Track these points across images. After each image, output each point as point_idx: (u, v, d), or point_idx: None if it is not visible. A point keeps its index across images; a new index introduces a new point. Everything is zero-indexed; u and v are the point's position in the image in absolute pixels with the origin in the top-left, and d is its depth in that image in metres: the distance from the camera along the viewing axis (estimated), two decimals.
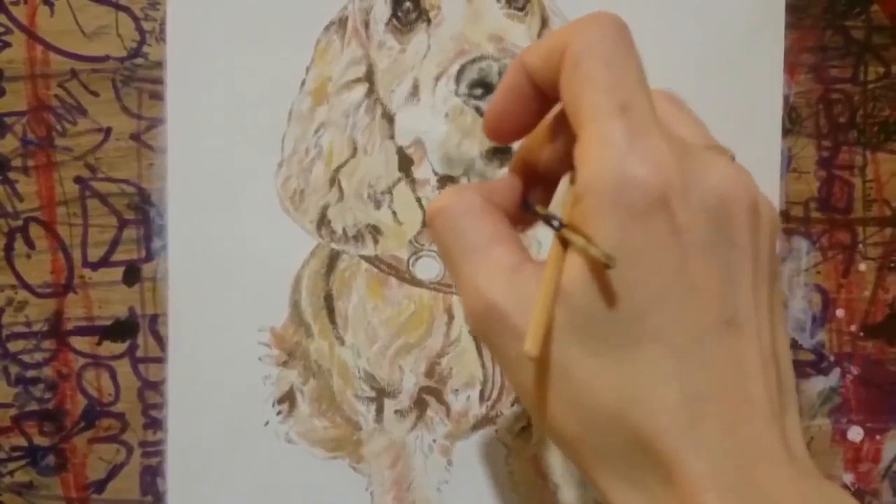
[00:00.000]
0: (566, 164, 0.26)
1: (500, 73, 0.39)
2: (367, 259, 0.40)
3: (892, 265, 0.41)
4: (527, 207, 0.28)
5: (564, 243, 0.24)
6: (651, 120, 0.23)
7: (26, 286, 0.39)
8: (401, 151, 0.40)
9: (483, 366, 0.40)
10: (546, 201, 0.29)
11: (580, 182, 0.23)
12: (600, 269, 0.22)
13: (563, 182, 0.28)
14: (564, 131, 0.26)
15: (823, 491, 0.23)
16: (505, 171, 0.35)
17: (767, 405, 0.23)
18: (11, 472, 0.40)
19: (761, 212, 0.24)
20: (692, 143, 0.24)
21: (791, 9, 0.40)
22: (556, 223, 0.24)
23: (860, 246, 0.41)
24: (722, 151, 0.25)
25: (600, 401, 0.23)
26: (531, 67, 0.26)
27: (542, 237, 0.40)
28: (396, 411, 0.40)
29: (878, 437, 0.41)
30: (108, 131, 0.39)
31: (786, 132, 0.41)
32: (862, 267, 0.41)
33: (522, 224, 0.29)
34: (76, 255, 0.39)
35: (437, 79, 0.39)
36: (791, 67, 0.40)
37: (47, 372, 0.40)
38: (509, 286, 0.24)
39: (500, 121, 0.28)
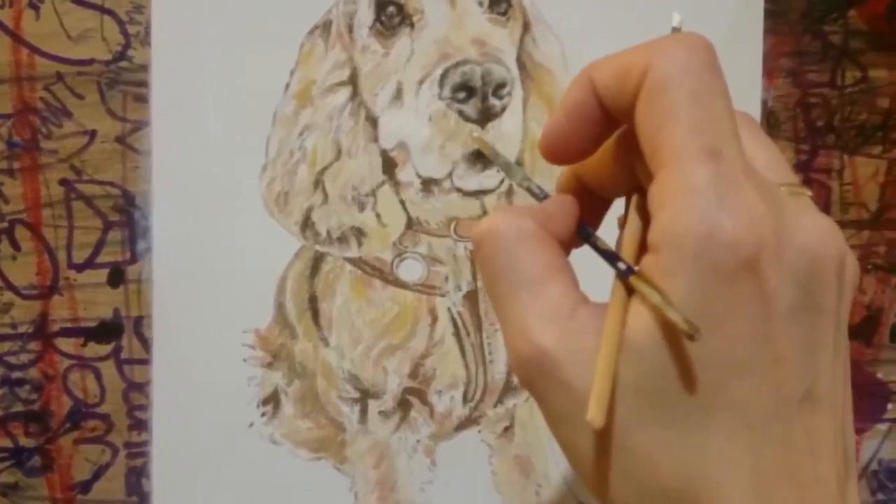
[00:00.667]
0: (624, 186, 0.24)
1: (482, 77, 0.39)
2: (352, 261, 0.41)
3: (870, 267, 0.42)
4: (586, 238, 0.24)
5: (628, 288, 0.21)
6: (743, 168, 0.21)
7: (12, 288, 0.40)
8: (384, 154, 0.40)
9: (466, 367, 0.41)
10: (595, 224, 0.26)
11: (658, 231, 0.21)
12: (673, 330, 0.20)
13: (630, 216, 0.24)
14: (629, 155, 0.23)
15: None
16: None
17: (836, 483, 0.21)
18: None
19: (847, 272, 0.22)
20: (777, 189, 0.22)
21: (769, 14, 0.41)
22: (623, 267, 0.22)
23: None
24: (800, 191, 0.23)
25: (662, 477, 0.21)
26: (600, 86, 0.23)
27: None
28: (380, 412, 0.41)
29: (856, 437, 0.42)
30: (93, 134, 0.40)
31: None
32: None
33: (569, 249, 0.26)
34: (61, 256, 0.40)
35: (421, 82, 0.40)
36: (769, 71, 0.41)
37: (33, 373, 0.40)
38: (563, 332, 0.21)
39: (559, 142, 0.24)
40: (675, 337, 0.20)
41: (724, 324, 0.20)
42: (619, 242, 0.24)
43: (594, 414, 0.20)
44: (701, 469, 0.20)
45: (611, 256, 0.23)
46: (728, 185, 0.20)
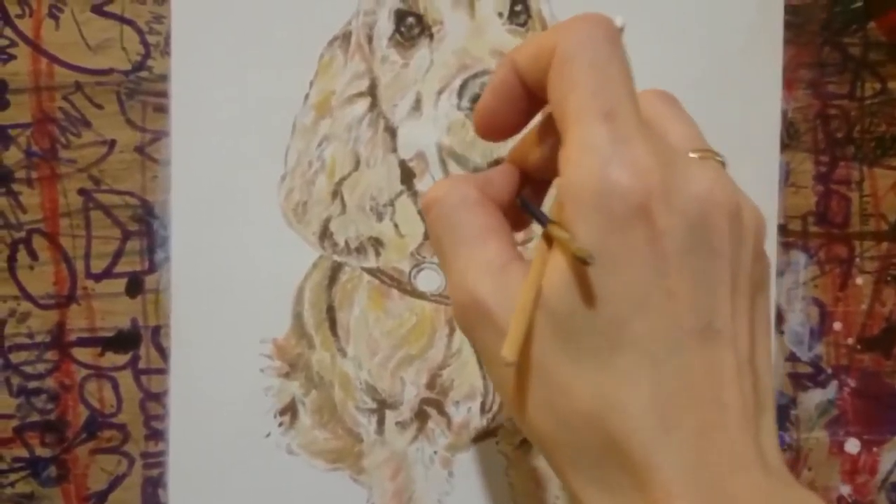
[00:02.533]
0: (556, 166, 0.27)
1: None
2: (369, 271, 0.41)
3: (889, 279, 0.42)
4: (520, 202, 0.28)
5: (550, 244, 0.24)
6: (635, 127, 0.23)
7: (29, 297, 0.40)
8: (403, 164, 0.40)
9: (484, 377, 0.41)
10: (539, 202, 0.29)
11: (562, 186, 0.23)
12: (581, 273, 0.23)
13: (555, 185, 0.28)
14: (554, 133, 0.26)
15: (794, 496, 0.23)
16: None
17: (741, 412, 0.23)
18: (13, 484, 0.40)
19: (744, 219, 0.24)
20: (678, 149, 0.24)
21: (789, 25, 0.41)
22: (543, 219, 0.24)
23: (857, 260, 0.41)
24: (710, 156, 0.25)
25: (577, 404, 0.23)
26: (520, 66, 0.26)
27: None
28: (397, 423, 0.41)
29: (874, 448, 0.42)
30: (112, 143, 0.40)
31: (784, 147, 0.41)
32: (859, 280, 0.41)
33: (516, 222, 0.29)
34: (79, 266, 0.40)
35: (440, 93, 0.40)
36: (789, 83, 0.41)
37: (49, 383, 0.40)
38: (496, 283, 0.24)
39: (489, 118, 0.28)
40: (582, 280, 0.23)
41: (620, 264, 0.22)
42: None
43: (506, 351, 0.22)
44: (610, 397, 0.22)
45: (535, 213, 0.26)
46: (620, 142, 0.23)
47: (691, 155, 0.25)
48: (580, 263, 0.22)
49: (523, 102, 0.27)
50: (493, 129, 0.28)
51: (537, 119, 0.28)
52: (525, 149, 0.28)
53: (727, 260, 0.23)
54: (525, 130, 0.29)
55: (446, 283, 0.26)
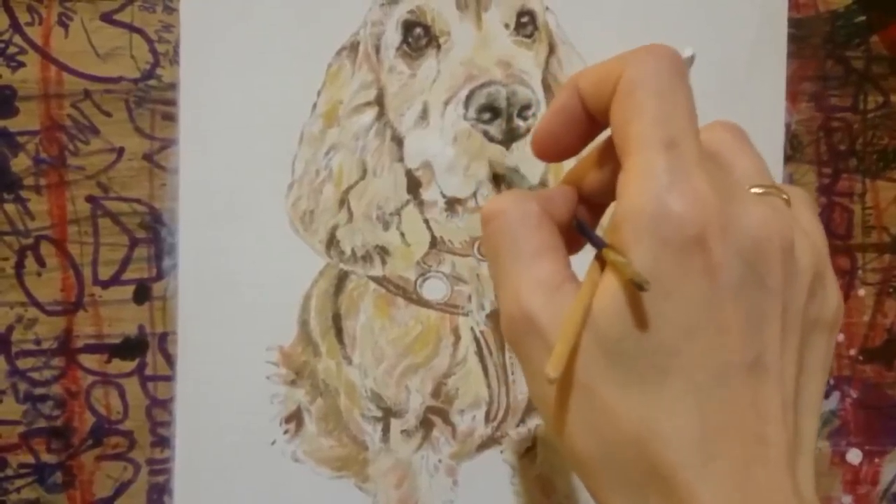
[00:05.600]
0: (613, 191, 0.26)
1: (507, 98, 0.40)
2: (376, 279, 0.41)
3: (891, 291, 0.42)
4: (576, 224, 0.28)
5: (603, 266, 0.24)
6: (696, 158, 0.23)
7: (36, 304, 0.40)
8: (409, 174, 0.41)
9: (489, 386, 0.41)
10: (594, 226, 0.29)
11: (619, 211, 0.23)
12: (633, 297, 0.23)
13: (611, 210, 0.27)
14: (613, 158, 0.26)
15: None
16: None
17: (783, 449, 0.23)
18: (19, 489, 0.40)
19: (798, 256, 0.24)
20: (740, 183, 0.25)
21: (792, 38, 0.41)
22: (599, 242, 0.25)
23: (859, 271, 0.42)
24: (774, 192, 0.25)
25: (620, 428, 0.23)
26: (583, 90, 0.26)
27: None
28: (403, 431, 0.41)
29: (876, 459, 0.42)
30: (120, 151, 0.40)
31: (787, 159, 0.41)
32: (861, 292, 0.42)
33: (569, 243, 0.28)
34: (87, 273, 0.40)
35: (447, 103, 0.40)
36: (792, 96, 0.41)
37: (56, 389, 0.40)
38: (548, 301, 0.25)
39: (547, 140, 0.28)
40: (634, 304, 0.23)
41: (674, 292, 0.22)
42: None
43: (550, 367, 0.23)
44: (654, 422, 0.23)
45: (591, 235, 0.27)
46: (680, 171, 0.23)
47: (754, 190, 0.25)
48: (635, 288, 0.22)
49: (583, 126, 0.27)
50: (551, 151, 0.28)
51: (595, 142, 0.28)
52: (582, 172, 0.28)
53: (779, 296, 0.23)
54: (583, 153, 0.29)
55: (497, 294, 0.26)
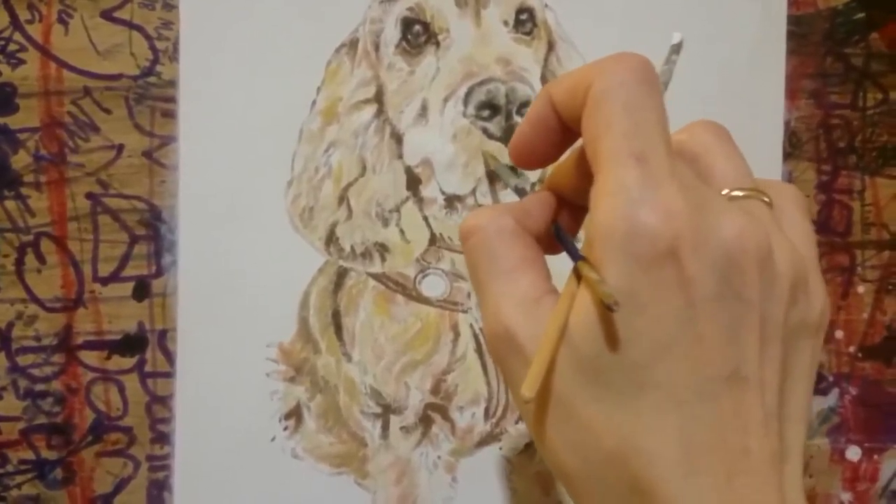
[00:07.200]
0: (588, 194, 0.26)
1: (506, 96, 0.40)
2: (375, 276, 0.41)
3: (890, 287, 0.42)
4: (556, 232, 0.28)
5: (580, 279, 0.24)
6: (667, 170, 0.23)
7: (36, 300, 0.40)
8: (409, 171, 0.41)
9: (488, 383, 0.41)
10: (574, 229, 0.29)
11: (592, 226, 0.23)
12: (607, 314, 0.22)
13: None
14: (588, 165, 0.26)
15: None
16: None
17: (766, 459, 0.23)
18: (19, 486, 0.40)
19: (777, 264, 0.24)
20: (714, 191, 0.24)
21: (792, 36, 0.41)
22: (575, 254, 0.24)
23: (858, 268, 0.42)
24: (754, 195, 0.25)
25: (601, 444, 0.23)
26: (556, 100, 0.26)
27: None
28: (402, 427, 0.41)
29: (875, 456, 0.42)
30: (120, 148, 0.40)
31: (786, 156, 0.41)
32: (860, 289, 0.42)
33: (550, 245, 0.29)
34: (87, 270, 0.40)
35: (446, 100, 0.40)
36: (792, 93, 0.41)
37: (56, 386, 0.40)
38: (528, 316, 0.24)
39: (524, 149, 0.28)
40: (608, 320, 0.22)
41: (648, 308, 0.22)
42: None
43: (525, 388, 0.23)
44: (634, 438, 0.22)
45: (570, 247, 0.26)
46: (650, 185, 0.22)
47: (734, 193, 0.25)
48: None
49: (559, 134, 0.27)
50: (528, 159, 0.28)
51: (575, 147, 0.28)
52: (561, 175, 0.28)
53: (755, 307, 0.23)
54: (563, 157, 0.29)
55: (480, 310, 0.26)
